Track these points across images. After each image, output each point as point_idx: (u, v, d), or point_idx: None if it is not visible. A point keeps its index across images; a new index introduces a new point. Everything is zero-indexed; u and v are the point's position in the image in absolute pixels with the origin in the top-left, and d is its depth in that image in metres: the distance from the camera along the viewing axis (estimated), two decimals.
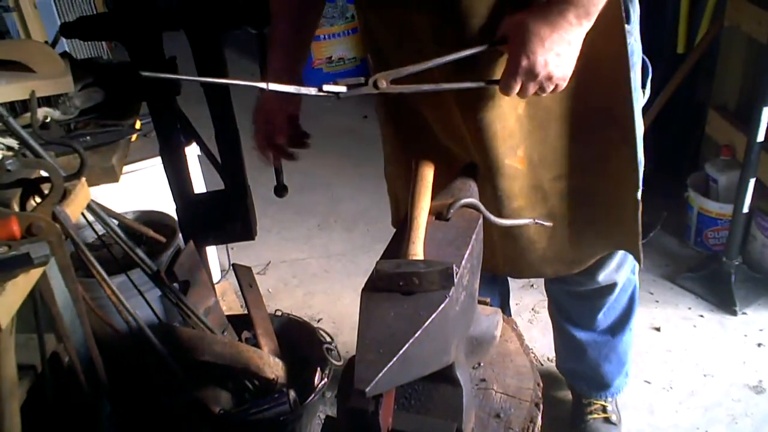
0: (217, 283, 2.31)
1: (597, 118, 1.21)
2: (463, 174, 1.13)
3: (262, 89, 0.99)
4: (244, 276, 1.77)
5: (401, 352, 0.74)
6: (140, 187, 1.91)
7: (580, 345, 1.70)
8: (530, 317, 2.22)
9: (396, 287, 0.83)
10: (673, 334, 2.10)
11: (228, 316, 1.67)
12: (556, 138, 1.24)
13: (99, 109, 1.24)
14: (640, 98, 1.24)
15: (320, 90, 1.00)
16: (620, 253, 1.46)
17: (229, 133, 1.41)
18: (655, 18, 2.53)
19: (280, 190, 1.50)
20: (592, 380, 1.77)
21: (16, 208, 0.96)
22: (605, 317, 1.64)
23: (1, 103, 1.07)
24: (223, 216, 1.50)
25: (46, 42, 1.34)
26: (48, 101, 1.13)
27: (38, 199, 0.95)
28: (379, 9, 1.20)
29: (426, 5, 1.10)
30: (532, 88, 1.05)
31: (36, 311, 1.06)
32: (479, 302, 1.11)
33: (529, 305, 2.26)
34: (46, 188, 0.96)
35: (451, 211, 0.98)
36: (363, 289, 0.84)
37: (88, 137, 1.12)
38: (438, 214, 0.99)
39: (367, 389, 0.71)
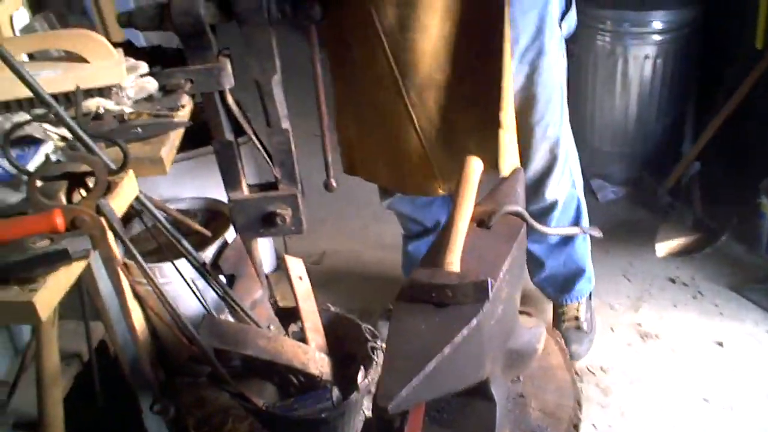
0: (273, 272, 2.33)
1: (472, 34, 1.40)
2: (510, 179, 1.09)
3: None
4: (294, 268, 1.76)
5: (429, 368, 0.72)
6: (199, 173, 1.94)
7: (539, 257, 1.95)
8: None
9: (429, 298, 0.80)
10: (736, 351, 2.00)
11: (278, 309, 1.67)
12: (446, 37, 1.41)
13: (152, 99, 1.25)
14: (549, 21, 1.47)
15: None
16: (556, 171, 1.68)
17: (280, 122, 1.39)
18: (733, 13, 2.42)
19: (329, 185, 1.48)
20: (557, 285, 2.01)
21: (63, 201, 0.97)
22: None
23: (56, 93, 1.09)
24: (273, 209, 1.49)
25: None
26: (101, 92, 1.14)
27: (84, 193, 0.96)
28: None
29: None
30: None
31: (83, 301, 1.08)
32: (522, 313, 1.08)
33: None
34: (92, 182, 0.97)
35: (494, 219, 0.95)
36: (396, 299, 0.82)
37: (139, 128, 1.13)
38: (480, 221, 0.95)
39: (390, 406, 0.69)
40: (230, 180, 1.50)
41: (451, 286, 0.79)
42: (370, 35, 1.45)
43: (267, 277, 1.68)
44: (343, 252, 2.60)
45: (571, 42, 2.53)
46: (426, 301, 0.80)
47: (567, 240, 1.92)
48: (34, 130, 0.97)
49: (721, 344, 2.02)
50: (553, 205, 1.78)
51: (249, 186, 1.58)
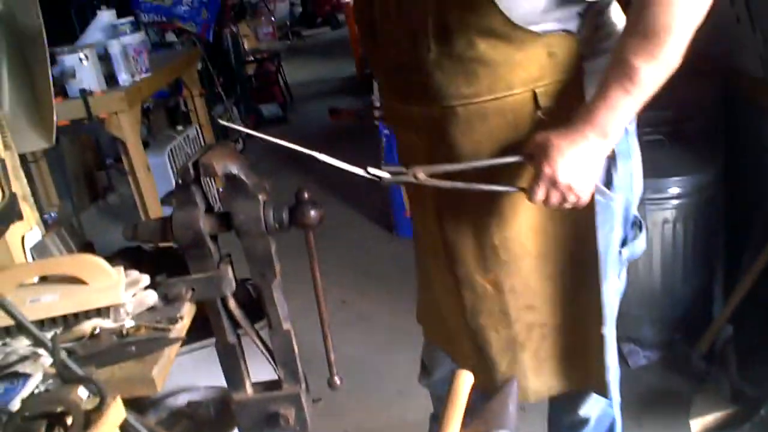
0: None
1: (567, 260, 1.34)
2: (502, 394, 1.06)
3: None
4: None
5: None
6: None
7: None
8: None
9: None
10: None
11: None
12: (528, 272, 1.35)
13: (154, 309, 1.27)
14: (612, 250, 1.35)
15: (367, 171, 1.15)
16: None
17: (281, 324, 1.40)
18: (752, 170, 2.44)
19: (332, 383, 1.46)
20: None
21: None
22: None
23: (53, 317, 1.12)
24: (276, 409, 1.47)
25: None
26: (99, 312, 1.17)
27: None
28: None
29: (423, 130, 1.30)
30: (554, 196, 1.17)
31: None
32: None
33: None
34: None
35: None
36: None
37: (133, 347, 1.14)
38: None
39: None
40: (233, 381, 1.49)
41: None
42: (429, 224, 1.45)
43: None
44: (364, 430, 2.52)
45: None
46: None
47: None
48: (22, 366, 0.99)
49: None
50: (584, 422, 1.63)
51: (253, 384, 1.58)
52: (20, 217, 1.23)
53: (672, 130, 2.66)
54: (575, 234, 1.32)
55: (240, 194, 1.22)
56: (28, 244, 1.27)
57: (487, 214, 1.32)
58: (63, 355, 1.02)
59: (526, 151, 1.18)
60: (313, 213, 1.27)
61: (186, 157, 4.22)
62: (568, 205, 1.19)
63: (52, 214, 4.52)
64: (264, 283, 1.32)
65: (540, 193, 1.17)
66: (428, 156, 1.32)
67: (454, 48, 1.19)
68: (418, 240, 1.60)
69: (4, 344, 1.13)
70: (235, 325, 1.39)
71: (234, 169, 1.20)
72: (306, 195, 1.29)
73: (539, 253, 1.33)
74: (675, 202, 2.42)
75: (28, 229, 1.28)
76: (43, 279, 1.19)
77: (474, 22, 1.15)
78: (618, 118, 1.13)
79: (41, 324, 1.14)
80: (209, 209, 1.28)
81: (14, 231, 1.24)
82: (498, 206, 1.31)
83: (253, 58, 7.07)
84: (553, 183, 1.15)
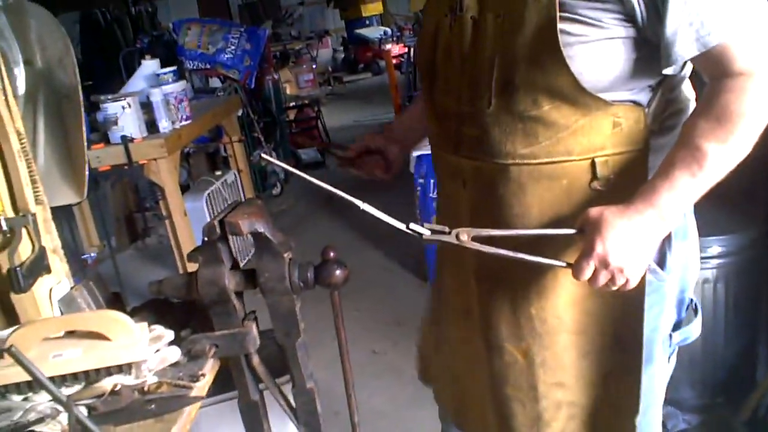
0: None
1: (607, 341, 1.26)
2: None
3: None
4: None
5: None
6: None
7: None
8: None
9: None
10: None
11: None
12: (563, 348, 1.27)
13: (177, 364, 1.26)
14: (661, 334, 1.28)
15: (407, 227, 1.11)
16: None
17: (304, 382, 1.39)
18: None
19: None
20: None
21: None
22: None
23: (75, 372, 1.12)
24: None
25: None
26: (120, 368, 1.16)
27: None
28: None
29: (471, 184, 1.27)
30: (603, 276, 1.09)
31: None
32: None
33: None
34: None
35: None
36: None
37: (153, 405, 1.13)
38: None
39: None
40: None
41: None
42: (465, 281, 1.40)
43: None
44: None
45: None
46: None
47: None
48: (40, 426, 0.99)
49: None
50: None
51: None
52: (48, 270, 1.24)
53: (712, 189, 2.60)
54: (620, 314, 1.25)
55: (265, 252, 1.22)
56: (56, 297, 1.28)
57: (527, 282, 1.26)
58: (79, 413, 1.02)
59: (578, 225, 1.12)
60: (338, 273, 1.26)
61: (223, 202, 4.28)
62: (614, 287, 1.11)
63: (92, 255, 4.61)
64: (288, 341, 1.30)
65: (588, 272, 1.09)
66: (472, 211, 1.28)
67: (516, 105, 1.15)
68: (443, 297, 1.53)
69: (26, 399, 1.13)
70: (258, 380, 1.38)
71: (260, 227, 1.19)
72: (332, 254, 1.28)
73: (577, 329, 1.26)
74: (716, 261, 2.35)
75: (56, 282, 1.29)
76: (69, 332, 1.19)
77: (541, 80, 1.12)
78: (680, 201, 1.09)
79: (63, 379, 1.13)
80: (235, 266, 1.28)
81: (42, 284, 1.26)
82: (540, 276, 1.25)
83: (293, 104, 7.18)
84: (604, 263, 1.08)
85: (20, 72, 1.32)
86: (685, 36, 1.04)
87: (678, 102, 1.23)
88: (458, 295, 1.45)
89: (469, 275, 1.36)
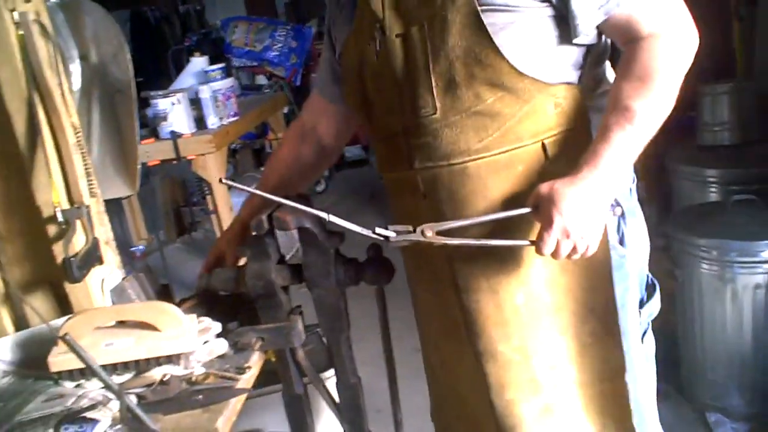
0: None
1: (582, 313, 1.30)
2: None
3: None
4: None
5: None
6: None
7: None
8: None
9: None
10: None
11: None
12: (546, 330, 1.31)
13: (224, 356, 1.28)
14: (630, 310, 1.34)
15: (374, 231, 1.13)
16: None
17: (349, 377, 1.40)
18: None
19: None
20: None
21: None
22: None
23: (126, 361, 1.15)
24: None
25: None
26: (170, 358, 1.18)
27: None
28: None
29: (431, 194, 1.28)
30: (565, 246, 1.15)
31: None
32: None
33: None
34: None
35: None
36: None
37: (200, 396, 1.15)
38: None
39: None
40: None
41: None
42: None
43: None
44: None
45: (675, 268, 2.47)
46: None
47: None
48: (91, 412, 1.02)
49: None
50: None
51: None
52: (101, 261, 1.27)
53: (763, 188, 2.54)
54: (591, 285, 1.29)
55: (312, 248, 1.23)
56: (108, 287, 1.31)
57: (506, 273, 1.29)
58: (130, 401, 1.04)
59: (531, 203, 1.17)
60: (383, 270, 1.27)
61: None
62: (577, 256, 1.17)
63: (141, 247, 4.70)
64: (333, 336, 1.31)
65: (551, 245, 1.14)
66: (435, 221, 1.24)
67: (461, 103, 1.20)
68: (424, 321, 1.52)
69: (78, 386, 1.16)
70: (303, 374, 1.39)
71: (307, 223, 1.20)
72: (378, 251, 1.28)
73: (556, 308, 1.30)
74: (767, 266, 2.29)
75: (108, 273, 1.32)
76: (120, 322, 1.21)
77: (480, 74, 1.18)
78: (621, 160, 1.16)
79: (114, 367, 1.16)
80: (281, 261, 1.29)
81: (95, 274, 1.29)
82: (515, 263, 1.28)
83: None
84: (564, 233, 1.13)
85: (76, 68, 1.35)
86: (589, 6, 1.15)
87: (605, 83, 1.32)
88: (440, 314, 1.43)
89: (447, 288, 1.35)
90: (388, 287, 1.31)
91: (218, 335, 1.29)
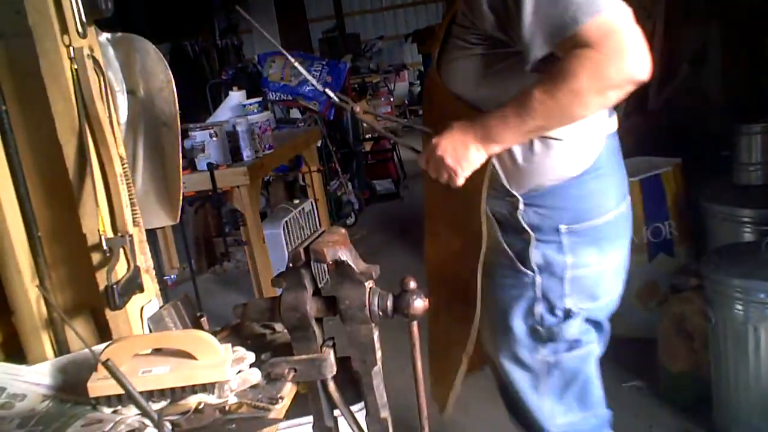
0: None
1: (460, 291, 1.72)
2: None
3: None
4: None
5: None
6: None
7: None
8: None
9: None
10: None
11: None
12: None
13: (257, 386, 1.30)
14: (517, 315, 1.67)
15: (324, 90, 1.53)
16: None
17: (379, 411, 1.39)
18: None
19: None
20: None
21: None
22: None
23: (162, 389, 1.17)
24: None
25: None
26: (205, 387, 1.20)
27: None
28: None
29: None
30: (432, 165, 1.49)
31: None
32: None
33: None
34: None
35: None
36: None
37: (233, 425, 1.16)
38: None
39: None
40: None
41: None
42: None
43: None
44: None
45: (708, 308, 2.43)
46: None
47: None
48: None
49: None
50: None
51: None
52: (141, 289, 1.30)
53: None
54: (468, 272, 1.65)
55: (347, 280, 1.24)
56: (146, 315, 1.34)
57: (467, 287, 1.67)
58: (167, 429, 1.06)
59: (439, 129, 1.48)
60: (417, 303, 1.27)
61: (300, 230, 4.35)
62: (443, 179, 1.48)
63: (172, 276, 4.76)
64: (364, 369, 1.32)
65: (424, 157, 1.50)
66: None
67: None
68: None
69: (115, 411, 1.18)
70: (333, 406, 1.39)
71: (343, 256, 1.22)
72: (412, 284, 1.29)
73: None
74: None
75: (147, 301, 1.34)
76: (157, 349, 1.24)
77: None
78: (502, 130, 1.39)
79: (151, 394, 1.18)
80: (316, 292, 1.31)
81: (134, 302, 1.31)
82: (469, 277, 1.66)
83: (370, 136, 7.28)
84: (433, 153, 1.46)
85: (124, 101, 1.40)
86: (538, 40, 1.32)
87: None
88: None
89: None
90: (421, 321, 1.31)
91: (252, 365, 1.31)
